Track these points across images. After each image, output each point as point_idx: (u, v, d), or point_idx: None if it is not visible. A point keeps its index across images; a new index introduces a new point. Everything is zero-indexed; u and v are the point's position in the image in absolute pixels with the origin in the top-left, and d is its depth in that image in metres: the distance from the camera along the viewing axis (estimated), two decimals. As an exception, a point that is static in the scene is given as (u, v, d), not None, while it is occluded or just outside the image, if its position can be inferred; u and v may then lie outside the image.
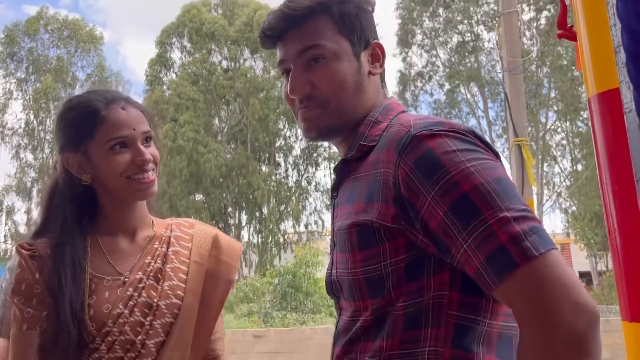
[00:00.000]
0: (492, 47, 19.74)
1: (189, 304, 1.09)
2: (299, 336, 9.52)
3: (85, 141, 1.09)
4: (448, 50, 22.89)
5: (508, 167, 6.17)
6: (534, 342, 0.71)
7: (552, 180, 22.56)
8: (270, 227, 21.71)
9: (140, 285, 1.07)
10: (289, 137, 23.65)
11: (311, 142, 23.90)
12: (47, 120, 23.30)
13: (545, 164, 21.96)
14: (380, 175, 0.86)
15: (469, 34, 22.16)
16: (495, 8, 19.21)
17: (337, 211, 0.97)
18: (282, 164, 23.82)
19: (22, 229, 21.62)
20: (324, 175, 23.91)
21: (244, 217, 22.77)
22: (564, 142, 22.22)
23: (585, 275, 20.95)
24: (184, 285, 1.10)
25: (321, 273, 13.02)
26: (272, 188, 21.81)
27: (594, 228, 19.22)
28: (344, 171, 0.98)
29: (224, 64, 23.19)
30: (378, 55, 1.01)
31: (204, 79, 22.00)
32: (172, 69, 23.74)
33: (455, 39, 22.58)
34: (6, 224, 22.55)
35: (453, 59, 22.72)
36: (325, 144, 24.36)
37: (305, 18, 0.96)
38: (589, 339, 0.70)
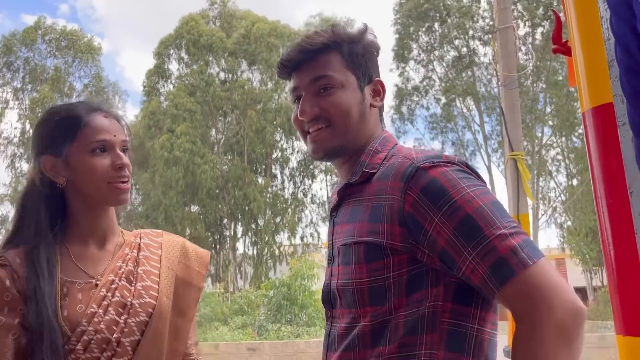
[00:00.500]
0: (489, 62, 19.92)
1: (163, 305, 1.10)
2: (293, 349, 9.45)
3: (65, 145, 1.12)
4: (444, 64, 23.07)
5: (503, 182, 6.16)
6: (530, 335, 0.85)
7: (548, 195, 22.65)
8: (266, 239, 21.64)
9: (113, 286, 1.09)
10: (286, 149, 23.69)
11: (308, 155, 23.90)
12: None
13: (541, 179, 22.04)
14: (386, 201, 1.00)
15: (465, 49, 22.36)
16: (491, 23, 19.43)
17: (337, 229, 1.10)
18: (279, 175, 23.82)
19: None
20: (320, 188, 23.95)
21: (239, 229, 22.70)
22: (560, 157, 22.34)
23: (580, 291, 20.91)
24: (157, 287, 1.12)
25: (317, 286, 12.96)
26: (268, 200, 21.78)
27: (590, 243, 19.24)
28: (345, 193, 1.12)
29: (222, 75, 23.27)
30: (379, 91, 1.16)
31: (201, 90, 22.06)
32: (169, 80, 23.80)
33: (452, 53, 22.78)
34: (0, 232, 22.41)
35: (449, 74, 22.88)
36: (322, 156, 24.35)
37: (319, 52, 1.11)
38: (575, 332, 0.85)
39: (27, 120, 23.04)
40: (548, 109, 21.47)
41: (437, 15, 22.38)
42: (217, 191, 21.34)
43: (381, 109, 1.18)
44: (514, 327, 0.90)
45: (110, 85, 25.78)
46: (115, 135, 1.15)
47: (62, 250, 1.11)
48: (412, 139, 24.98)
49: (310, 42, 1.11)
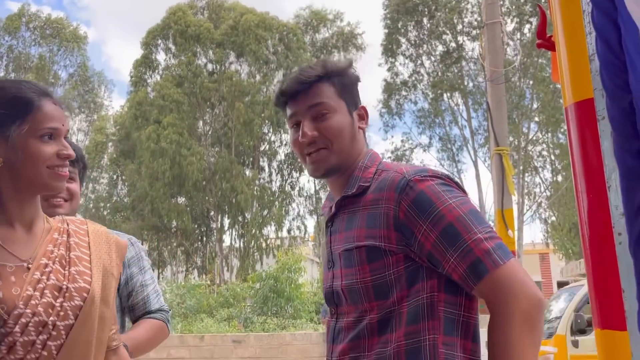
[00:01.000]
0: (476, 57, 19.99)
1: (95, 291, 1.11)
2: (278, 341, 9.46)
3: (12, 126, 1.09)
4: (432, 59, 23.11)
5: (489, 177, 6.20)
6: (501, 322, 1.05)
7: (533, 190, 22.86)
8: (253, 231, 21.61)
9: (47, 269, 1.09)
10: (274, 141, 23.62)
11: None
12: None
13: (527, 175, 22.24)
14: (382, 209, 1.16)
15: (453, 44, 22.42)
16: (479, 19, 19.46)
17: (335, 237, 1.26)
18: (266, 168, 23.77)
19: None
20: (308, 181, 23.93)
21: (226, 221, 22.64)
22: (545, 153, 22.56)
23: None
24: (89, 272, 1.12)
25: (303, 278, 12.97)
26: (255, 192, 21.73)
27: (573, 238, 19.50)
28: (341, 205, 1.27)
29: (209, 67, 23.10)
30: (363, 115, 1.34)
31: (188, 81, 21.87)
32: (156, 71, 23.56)
33: (440, 48, 22.83)
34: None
35: (437, 69, 22.94)
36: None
37: (314, 83, 1.27)
38: (537, 319, 1.05)
39: (11, 110, 22.64)
40: (534, 105, 21.64)
41: (426, 10, 22.39)
42: (204, 183, 21.23)
43: (364, 130, 1.35)
44: (489, 317, 1.09)
45: (95, 75, 25.48)
46: (63, 125, 1.14)
47: None
48: (400, 133, 25.06)
49: (306, 75, 1.27)
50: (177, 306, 12.99)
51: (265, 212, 22.19)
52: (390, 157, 22.41)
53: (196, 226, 22.45)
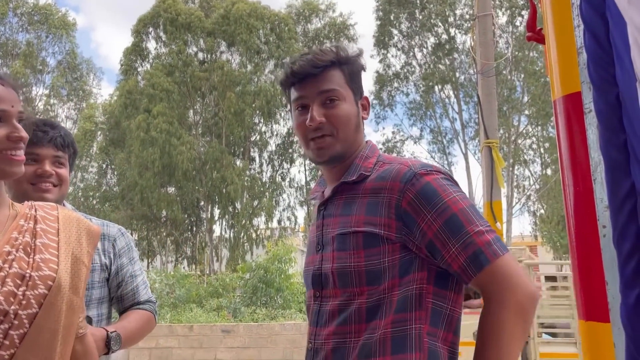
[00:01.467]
0: (468, 50, 19.99)
1: (62, 279, 1.07)
2: (267, 331, 9.50)
3: None
4: (424, 51, 23.09)
5: (479, 169, 6.21)
6: (496, 312, 1.09)
7: (522, 183, 23.02)
8: (243, 222, 21.57)
9: (10, 257, 1.05)
10: (265, 132, 23.53)
11: (287, 138, 23.83)
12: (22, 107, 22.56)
13: (516, 167, 22.38)
14: (383, 198, 1.19)
15: (445, 36, 22.40)
16: (471, 12, 19.46)
17: (329, 221, 1.27)
18: (257, 159, 23.69)
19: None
20: (299, 172, 23.93)
21: (216, 212, 22.56)
22: (535, 146, 22.69)
23: (550, 278, 21.40)
24: (56, 260, 1.08)
25: (293, 269, 12.99)
26: (245, 183, 21.66)
27: (561, 231, 19.69)
28: (338, 190, 1.29)
29: (200, 56, 22.89)
30: (366, 106, 1.36)
31: (179, 70, 21.67)
32: (147, 59, 23.32)
33: (432, 40, 22.81)
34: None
35: (429, 61, 22.93)
36: (301, 140, 24.25)
37: (326, 68, 1.27)
38: (531, 311, 1.10)
39: (-2, 97, 22.33)
40: (525, 99, 21.73)
41: (418, 1, 22.33)
42: (194, 173, 21.12)
43: (365, 120, 1.37)
44: (483, 306, 1.13)
45: (84, 62, 25.15)
46: (13, 106, 1.09)
47: None
48: (392, 124, 25.07)
49: (320, 58, 1.26)
50: (166, 296, 12.96)
51: (256, 202, 22.15)
52: (381, 149, 22.38)
53: (186, 216, 22.37)
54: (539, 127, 21.99)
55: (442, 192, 1.16)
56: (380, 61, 23.35)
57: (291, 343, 9.34)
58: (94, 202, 23.45)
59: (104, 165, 24.39)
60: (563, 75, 1.46)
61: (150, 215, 21.57)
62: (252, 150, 23.42)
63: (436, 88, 22.87)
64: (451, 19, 22.26)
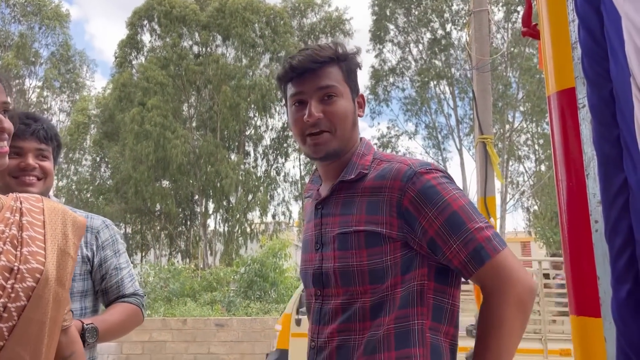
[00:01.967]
0: (463, 46, 19.99)
1: (49, 271, 1.07)
2: (261, 325, 9.51)
3: None
4: (420, 47, 23.08)
5: (474, 165, 6.24)
6: (496, 305, 1.12)
7: (516, 179, 23.12)
8: (237, 216, 21.54)
9: None
10: (260, 126, 23.47)
11: (282, 133, 23.78)
12: (8, 98, 22.41)
13: (511, 163, 22.46)
14: (384, 197, 1.20)
15: (441, 32, 22.39)
16: (467, 8, 19.43)
17: (328, 220, 1.27)
18: (252, 153, 23.64)
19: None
20: (294, 166, 23.91)
21: (210, 206, 22.53)
22: (529, 142, 22.77)
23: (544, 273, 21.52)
24: (43, 252, 1.08)
25: (288, 264, 13.00)
26: (240, 177, 21.62)
27: (554, 227, 19.80)
28: (336, 188, 1.28)
29: (195, 49, 22.78)
30: (362, 103, 1.36)
31: (174, 63, 21.56)
32: (141, 52, 23.18)
33: (428, 36, 22.79)
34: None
35: (425, 56, 22.92)
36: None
37: (325, 64, 1.27)
38: (529, 304, 1.13)
39: (-9, 88, 22.17)
40: (520, 95, 21.78)
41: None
42: (188, 167, 21.06)
43: (361, 117, 1.38)
44: (483, 300, 1.16)
45: (77, 54, 24.96)
46: None
47: None
48: (387, 120, 25.06)
49: (319, 54, 1.26)
50: (160, 290, 12.94)
51: (250, 197, 22.12)
52: (376, 144, 22.42)
53: (180, 210, 22.33)
54: (534, 124, 22.07)
55: (442, 191, 1.17)
56: (376, 56, 23.36)
57: (285, 337, 9.35)
58: (88, 195, 23.34)
59: (98, 159, 24.28)
60: (557, 71, 1.46)
61: (144, 209, 21.51)
62: (246, 144, 23.37)
63: (432, 84, 22.88)
64: (447, 15, 22.24)
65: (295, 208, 23.71)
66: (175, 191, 21.68)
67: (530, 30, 1.84)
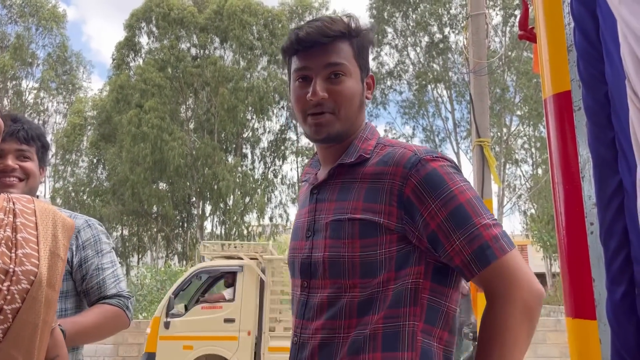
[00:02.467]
0: (461, 50, 20.05)
1: (43, 273, 1.07)
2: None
3: None
4: (418, 50, 23.14)
5: (471, 169, 6.25)
6: (501, 310, 1.02)
7: (514, 182, 23.17)
8: (235, 218, 21.52)
9: None
10: (257, 128, 23.47)
11: (280, 135, 23.79)
12: (5, 99, 22.41)
13: (508, 167, 22.51)
14: (385, 184, 1.10)
15: (438, 35, 22.46)
16: (465, 12, 19.49)
17: (323, 205, 1.17)
18: (249, 155, 23.62)
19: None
20: (291, 169, 23.89)
21: (207, 208, 22.50)
22: (527, 145, 22.83)
23: (540, 277, 21.58)
24: (37, 254, 1.08)
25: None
26: (237, 179, 21.60)
27: (551, 231, 19.82)
28: (334, 172, 1.19)
29: (193, 51, 22.78)
30: (371, 84, 1.25)
31: (171, 65, 21.56)
32: (139, 54, 23.17)
33: (426, 39, 22.85)
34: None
35: (422, 59, 22.98)
36: (294, 137, 24.29)
37: (335, 39, 1.16)
38: (536, 310, 1.03)
39: (-13, 89, 22.13)
40: (517, 98, 21.84)
41: (411, 0, 22.36)
42: (185, 169, 21.04)
43: (369, 100, 1.27)
44: (486, 304, 1.06)
45: (74, 55, 24.92)
46: None
47: None
48: (384, 123, 25.12)
49: (330, 27, 1.15)
50: (157, 292, 12.90)
51: (247, 199, 22.10)
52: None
53: (177, 212, 22.29)
54: (531, 127, 22.13)
55: (448, 181, 1.07)
56: (373, 59, 23.38)
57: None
58: (84, 197, 23.29)
59: (95, 160, 24.23)
60: (554, 73, 1.47)
61: (141, 210, 21.46)
62: (244, 146, 23.36)
63: (429, 87, 22.93)
64: (445, 19, 22.31)
65: (293, 210, 23.69)
66: (172, 193, 21.64)
67: (527, 34, 1.84)
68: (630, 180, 0.79)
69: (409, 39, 22.96)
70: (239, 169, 22.18)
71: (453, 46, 22.05)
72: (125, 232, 22.92)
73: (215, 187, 20.96)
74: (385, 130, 24.18)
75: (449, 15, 22.25)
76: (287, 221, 23.39)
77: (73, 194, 23.21)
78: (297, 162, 23.63)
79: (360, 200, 1.11)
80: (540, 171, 21.88)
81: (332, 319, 1.09)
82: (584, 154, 1.19)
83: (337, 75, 1.15)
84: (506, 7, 20.99)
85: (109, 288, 1.64)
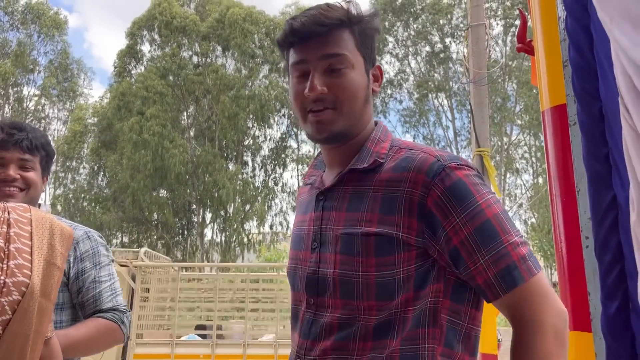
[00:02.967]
0: (461, 59, 20.13)
1: (35, 284, 1.06)
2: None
3: None
4: (419, 59, 23.24)
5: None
6: (533, 339, 0.92)
7: (514, 192, 23.17)
8: (235, 226, 21.51)
9: None
10: (258, 136, 23.52)
11: (281, 143, 23.83)
12: (6, 106, 22.49)
13: (508, 176, 22.53)
14: (403, 193, 0.98)
15: (439, 45, 22.56)
16: (466, 22, 19.58)
17: (331, 215, 1.05)
18: (250, 163, 23.66)
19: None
20: (292, 177, 23.91)
21: (208, 215, 22.49)
22: (527, 155, 22.86)
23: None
24: (29, 265, 1.07)
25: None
26: (238, 187, 21.62)
27: (551, 240, 19.78)
28: (343, 178, 1.07)
29: (194, 59, 22.89)
30: (378, 76, 1.13)
31: (173, 73, 21.66)
32: (141, 62, 23.28)
33: (427, 49, 22.95)
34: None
35: (423, 69, 23.07)
36: (294, 145, 24.34)
37: (333, 28, 1.04)
38: (565, 334, 0.95)
39: (-11, 96, 22.22)
40: (518, 108, 21.89)
41: (412, 10, 22.49)
42: (186, 176, 21.07)
43: (377, 93, 1.15)
44: (513, 332, 0.96)
45: (75, 62, 25.02)
46: None
47: None
48: (384, 131, 25.13)
49: (327, 15, 1.04)
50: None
51: (248, 207, 22.10)
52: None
53: (177, 219, 22.28)
54: (531, 136, 22.17)
55: (475, 193, 0.96)
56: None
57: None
58: (85, 204, 23.29)
59: (96, 167, 24.26)
60: (551, 87, 1.48)
61: (142, 218, 21.46)
62: (245, 154, 23.40)
63: (430, 96, 22.99)
64: (447, 29, 22.42)
65: (293, 218, 23.66)
66: (173, 200, 21.65)
67: (525, 46, 1.86)
68: (624, 195, 0.80)
69: (409, 48, 23.06)
70: (240, 176, 22.21)
71: (454, 56, 22.15)
72: (126, 239, 22.89)
73: (216, 194, 20.97)
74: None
75: (450, 25, 22.37)
76: (287, 229, 23.37)
77: (73, 201, 23.22)
78: (297, 170, 23.66)
79: (375, 211, 1.00)
80: (540, 180, 21.88)
81: (343, 340, 0.99)
82: (579, 169, 1.20)
83: (338, 68, 1.04)
84: (507, 16, 21.09)
85: (105, 301, 1.61)
